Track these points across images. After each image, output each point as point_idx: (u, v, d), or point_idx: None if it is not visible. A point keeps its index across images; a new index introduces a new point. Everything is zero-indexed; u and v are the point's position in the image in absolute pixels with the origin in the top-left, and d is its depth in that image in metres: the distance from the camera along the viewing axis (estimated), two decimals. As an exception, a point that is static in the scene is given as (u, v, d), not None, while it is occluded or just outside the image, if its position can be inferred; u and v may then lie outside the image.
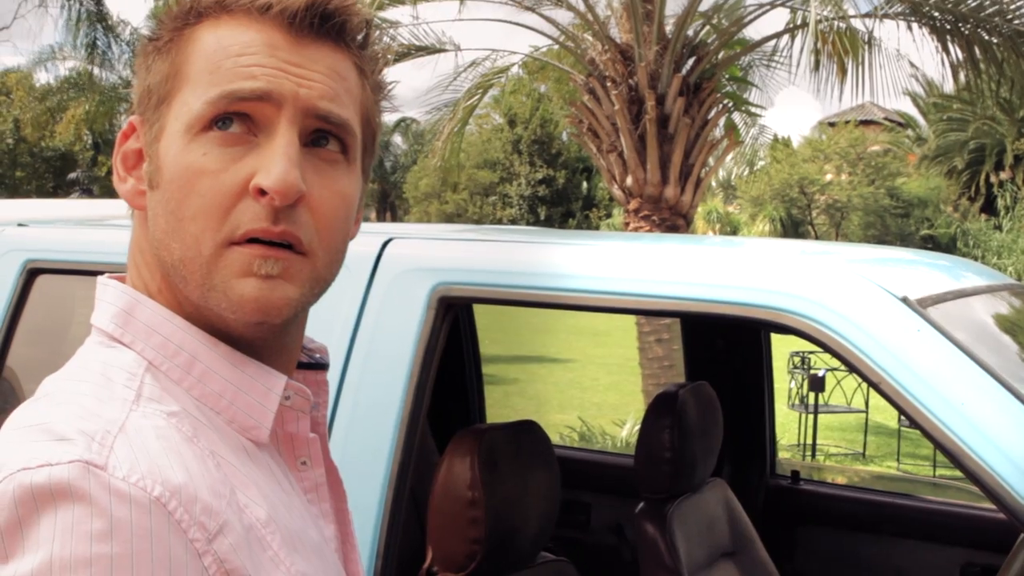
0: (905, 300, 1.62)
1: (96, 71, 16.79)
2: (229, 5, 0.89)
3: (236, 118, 0.86)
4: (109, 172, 28.17)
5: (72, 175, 29.24)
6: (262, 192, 0.84)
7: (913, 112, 29.66)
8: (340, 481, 1.02)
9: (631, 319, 7.91)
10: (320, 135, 0.89)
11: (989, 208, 24.78)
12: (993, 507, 3.15)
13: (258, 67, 0.86)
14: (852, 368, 1.59)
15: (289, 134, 0.86)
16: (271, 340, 0.92)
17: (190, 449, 0.81)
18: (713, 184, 26.22)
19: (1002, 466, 1.44)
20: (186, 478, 0.77)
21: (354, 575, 1.02)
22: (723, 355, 3.29)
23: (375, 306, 1.92)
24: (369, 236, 2.10)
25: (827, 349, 1.62)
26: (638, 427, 8.66)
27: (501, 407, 8.52)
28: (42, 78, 22.53)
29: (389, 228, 2.15)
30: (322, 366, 1.03)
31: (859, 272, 1.72)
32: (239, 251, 0.85)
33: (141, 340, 0.88)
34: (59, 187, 29.41)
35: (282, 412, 0.91)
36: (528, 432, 2.16)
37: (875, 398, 9.87)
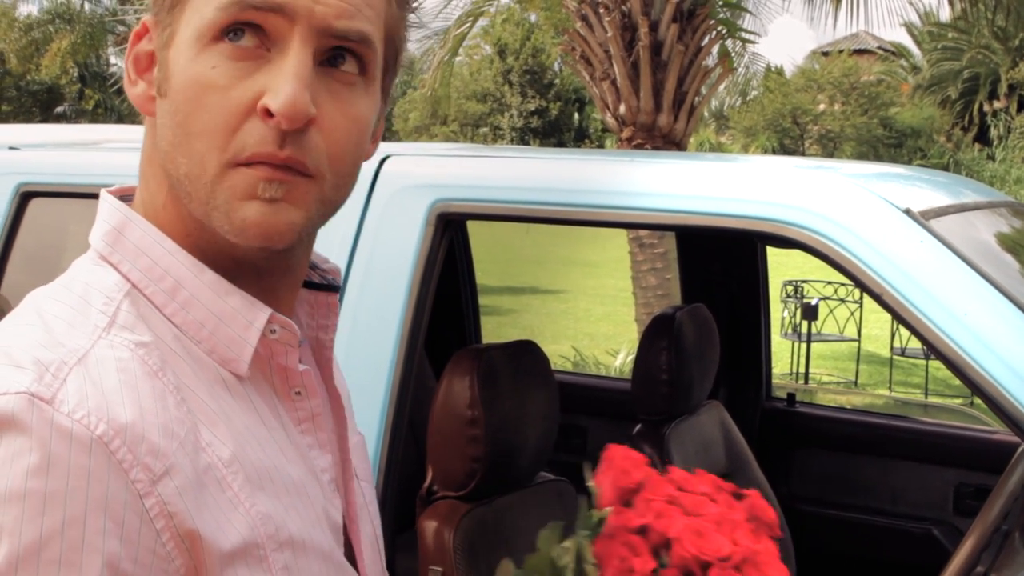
0: (908, 212, 1.60)
1: (79, 2, 16.56)
2: None
3: (248, 29, 0.81)
4: (96, 106, 27.84)
5: (59, 109, 28.97)
6: (269, 113, 0.80)
7: (907, 41, 29.45)
8: (342, 407, 1.00)
9: (624, 249, 7.91)
10: (337, 53, 0.84)
11: (982, 138, 24.73)
12: (986, 429, 3.19)
13: None
14: (854, 279, 1.58)
15: (302, 53, 0.81)
16: (277, 262, 0.89)
17: (150, 384, 0.78)
18: (706, 114, 26.06)
19: (1005, 376, 1.44)
20: (136, 416, 0.75)
21: (352, 504, 1.00)
22: (719, 277, 3.28)
23: (373, 223, 1.91)
24: (366, 154, 2.09)
25: (828, 261, 1.61)
26: (631, 357, 8.71)
27: (494, 338, 8.52)
28: (24, 10, 22.24)
29: (387, 146, 2.13)
30: (333, 288, 1.00)
31: (861, 184, 1.71)
32: (244, 172, 0.81)
33: (129, 261, 0.86)
34: (46, 121, 29.15)
35: (271, 345, 0.88)
36: (527, 352, 2.16)
37: (867, 327, 9.92)
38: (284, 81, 0.80)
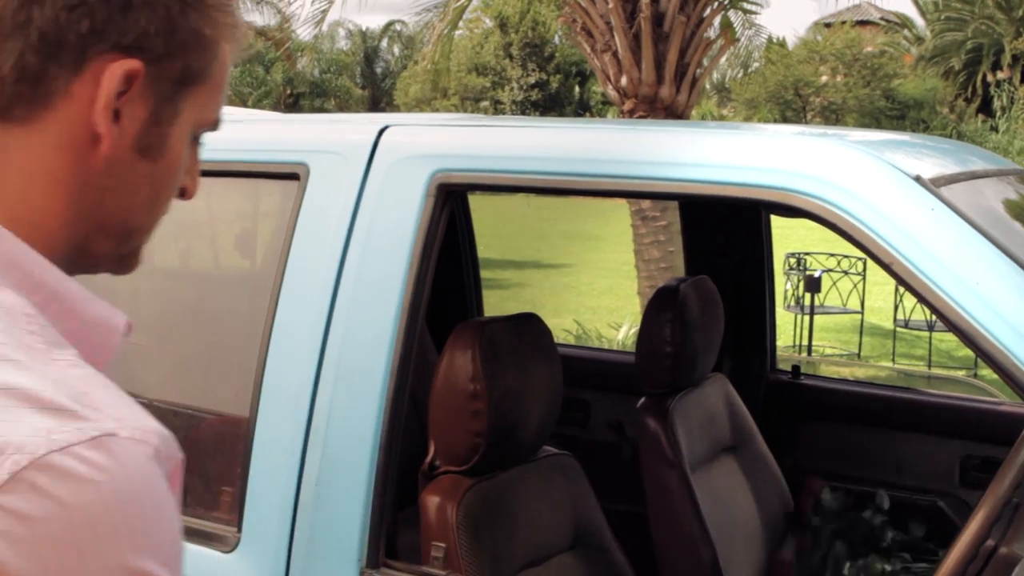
0: (918, 179, 1.57)
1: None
2: (239, 36, 1.00)
3: None
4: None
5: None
6: (182, 192, 1.00)
7: (910, 12, 29.31)
8: None
9: (626, 222, 7.88)
10: None
11: (986, 109, 24.63)
12: (993, 400, 3.16)
13: None
14: (862, 248, 1.54)
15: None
16: None
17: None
18: (707, 87, 25.97)
19: (1018, 346, 1.41)
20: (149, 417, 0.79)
21: None
22: (723, 249, 3.25)
23: (373, 194, 1.88)
24: (366, 124, 2.04)
25: (836, 229, 1.57)
26: (634, 330, 8.67)
27: (496, 311, 8.51)
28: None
29: (385, 116, 2.10)
30: None
31: (869, 151, 1.67)
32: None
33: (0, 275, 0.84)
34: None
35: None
36: (529, 325, 2.13)
37: (871, 299, 9.89)
38: (197, 175, 1.02)
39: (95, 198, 0.91)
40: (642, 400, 2.62)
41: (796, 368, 3.31)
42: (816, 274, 9.11)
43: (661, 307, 2.59)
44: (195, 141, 1.00)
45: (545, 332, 2.16)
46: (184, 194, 1.01)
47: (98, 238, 0.94)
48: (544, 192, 1.92)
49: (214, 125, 1.00)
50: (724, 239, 3.25)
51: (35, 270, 0.86)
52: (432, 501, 1.99)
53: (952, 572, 1.43)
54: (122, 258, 0.98)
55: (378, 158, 1.92)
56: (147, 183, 0.94)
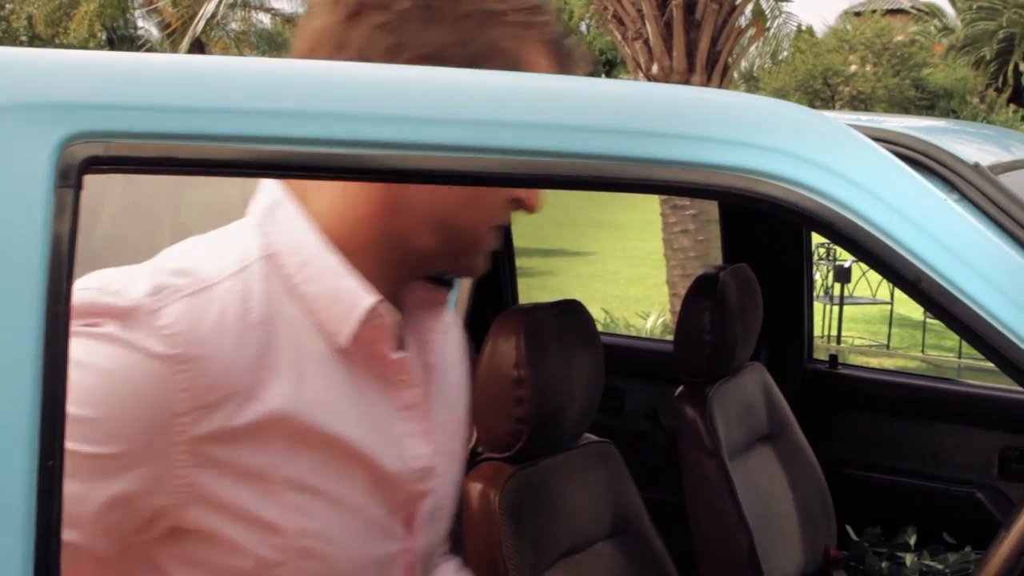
0: (976, 167, 1.52)
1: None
2: (551, 45, 1.11)
3: None
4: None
5: (87, 71, 28.92)
6: (519, 203, 1.08)
7: (940, 1, 29.07)
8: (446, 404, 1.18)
9: (652, 212, 7.84)
10: None
11: (1017, 99, 24.41)
12: (1032, 391, 3.13)
13: None
14: (869, 258, 0.96)
15: None
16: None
17: (244, 330, 0.96)
18: (736, 76, 25.86)
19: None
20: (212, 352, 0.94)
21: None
22: (762, 237, 3.23)
23: None
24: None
25: (832, 233, 0.96)
26: (662, 319, 8.64)
27: (524, 300, 8.48)
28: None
29: None
30: (448, 284, 1.15)
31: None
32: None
33: (274, 232, 1.03)
34: (74, 84, 29.01)
35: (375, 331, 1.02)
36: (572, 312, 2.12)
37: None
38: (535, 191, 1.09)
39: (399, 190, 1.02)
40: (680, 388, 2.61)
41: (833, 358, 3.29)
42: (846, 264, 9.05)
43: (700, 295, 2.58)
44: None
45: (588, 319, 2.15)
46: (522, 204, 1.07)
47: (418, 232, 1.04)
48: (269, 172, 1.02)
49: None
50: (764, 227, 3.22)
51: (300, 236, 1.03)
52: (475, 488, 1.99)
53: (1005, 561, 1.41)
54: (456, 258, 1.08)
55: None
56: (459, 191, 1.03)
